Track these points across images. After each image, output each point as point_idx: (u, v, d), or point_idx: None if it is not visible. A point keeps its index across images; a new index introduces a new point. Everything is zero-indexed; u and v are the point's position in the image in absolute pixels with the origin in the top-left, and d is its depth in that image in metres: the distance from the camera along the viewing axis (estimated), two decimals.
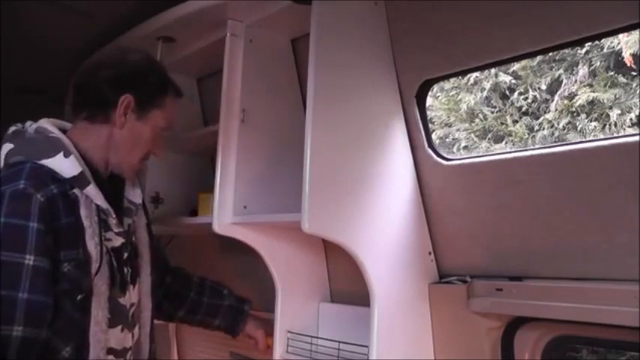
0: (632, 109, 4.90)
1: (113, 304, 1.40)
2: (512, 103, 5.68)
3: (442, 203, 1.62)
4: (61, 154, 1.36)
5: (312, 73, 1.46)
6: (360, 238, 1.49)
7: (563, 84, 5.29)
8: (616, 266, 1.33)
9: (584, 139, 4.27)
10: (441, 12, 1.49)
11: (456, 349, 1.58)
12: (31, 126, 1.44)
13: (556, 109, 5.31)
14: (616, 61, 4.94)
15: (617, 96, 4.91)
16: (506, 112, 5.71)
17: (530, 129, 5.50)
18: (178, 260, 2.64)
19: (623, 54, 4.77)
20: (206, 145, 2.06)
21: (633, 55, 4.72)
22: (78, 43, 2.27)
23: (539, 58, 5.14)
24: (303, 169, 1.43)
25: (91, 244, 1.34)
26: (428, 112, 1.67)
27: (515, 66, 5.43)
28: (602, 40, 4.68)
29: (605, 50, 4.93)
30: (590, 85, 5.09)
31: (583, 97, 5.06)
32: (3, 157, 1.39)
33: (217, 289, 1.84)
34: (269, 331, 1.79)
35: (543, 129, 5.35)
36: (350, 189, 1.50)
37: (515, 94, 5.64)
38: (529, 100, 5.54)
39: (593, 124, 5.05)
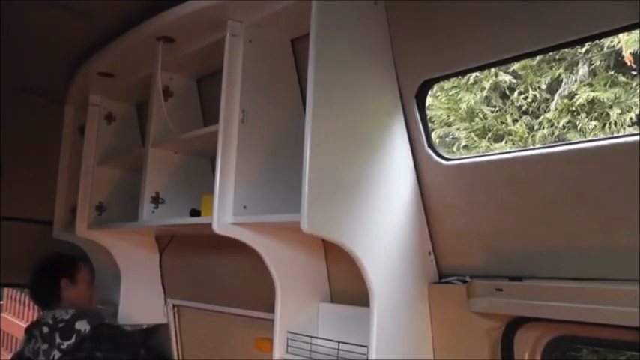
0: (632, 108, 4.90)
1: None
2: (512, 103, 5.68)
3: (442, 203, 1.62)
4: None
5: (312, 73, 1.46)
6: (359, 238, 1.49)
7: (563, 83, 5.29)
8: (616, 266, 1.33)
9: (584, 139, 4.28)
10: (441, 12, 1.49)
11: (456, 349, 1.58)
12: None
13: (556, 109, 5.31)
14: (616, 60, 4.94)
15: (617, 95, 4.91)
16: (506, 111, 5.71)
17: (530, 128, 5.50)
18: (178, 260, 2.65)
19: (623, 53, 4.77)
20: (206, 146, 2.05)
21: (633, 55, 4.73)
22: (78, 43, 2.27)
23: (539, 57, 5.14)
24: (302, 169, 1.43)
25: None
26: (428, 112, 1.67)
27: (515, 65, 5.43)
28: (602, 40, 4.68)
29: (605, 49, 4.93)
30: (590, 85, 5.10)
31: (583, 96, 5.07)
32: None
33: None
34: None
35: (543, 128, 5.35)
36: (350, 189, 1.50)
37: (515, 93, 5.64)
38: (529, 100, 5.54)
39: (593, 123, 5.05)
